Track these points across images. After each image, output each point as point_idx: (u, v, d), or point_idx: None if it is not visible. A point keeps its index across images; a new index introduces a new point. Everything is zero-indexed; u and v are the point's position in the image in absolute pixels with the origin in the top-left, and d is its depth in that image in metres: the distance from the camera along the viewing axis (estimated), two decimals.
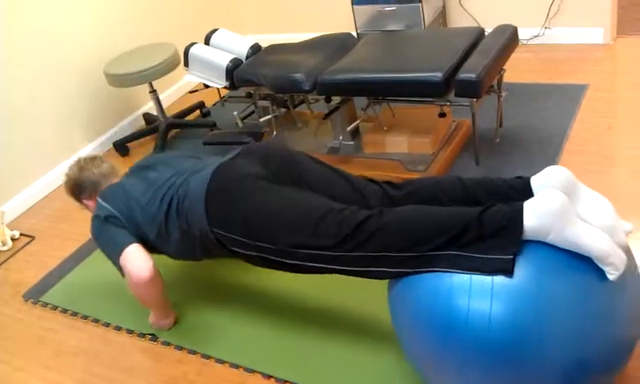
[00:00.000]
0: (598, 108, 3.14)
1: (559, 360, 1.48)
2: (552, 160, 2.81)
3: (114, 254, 2.17)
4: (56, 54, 3.68)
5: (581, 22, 3.79)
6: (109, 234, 2.20)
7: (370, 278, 1.79)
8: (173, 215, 2.14)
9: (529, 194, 1.71)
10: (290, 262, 1.90)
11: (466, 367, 1.56)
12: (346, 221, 1.78)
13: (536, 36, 3.95)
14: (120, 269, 2.18)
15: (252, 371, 2.14)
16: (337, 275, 1.85)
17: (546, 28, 3.91)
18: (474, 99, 2.69)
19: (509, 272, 1.50)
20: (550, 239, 1.51)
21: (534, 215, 1.51)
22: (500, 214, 1.56)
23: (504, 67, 2.88)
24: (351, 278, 1.83)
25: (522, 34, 3.92)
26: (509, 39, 2.84)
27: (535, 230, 1.51)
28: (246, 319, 2.36)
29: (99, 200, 2.30)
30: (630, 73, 3.39)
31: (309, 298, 2.38)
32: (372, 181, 2.08)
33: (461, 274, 1.57)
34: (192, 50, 3.41)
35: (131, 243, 2.16)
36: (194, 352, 2.29)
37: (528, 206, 1.54)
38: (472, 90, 2.59)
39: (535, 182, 1.72)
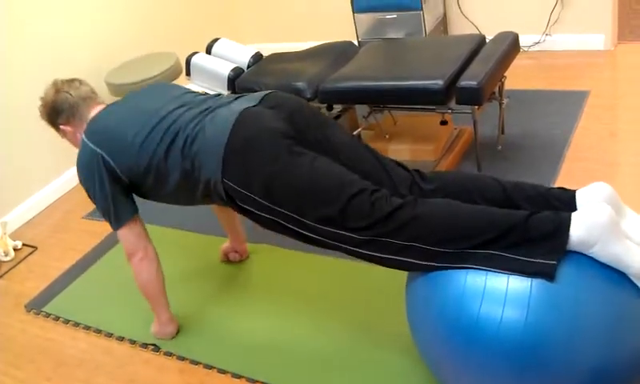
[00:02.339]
0: (599, 114, 3.13)
1: (585, 370, 1.48)
2: (554, 167, 2.80)
3: (111, 223, 2.16)
4: (56, 64, 3.68)
5: (582, 29, 3.79)
6: (107, 198, 2.11)
7: (392, 267, 1.71)
8: (176, 155, 1.97)
9: (573, 206, 1.68)
10: (307, 234, 1.80)
11: (493, 372, 1.55)
12: (377, 204, 1.68)
13: (537, 43, 3.95)
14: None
15: (254, 381, 2.13)
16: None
17: (546, 35, 3.92)
18: (476, 106, 2.69)
19: (550, 277, 1.49)
20: (593, 252, 1.50)
21: (582, 226, 1.50)
22: (547, 220, 1.54)
23: (505, 74, 2.87)
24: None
25: (523, 41, 3.92)
26: (510, 46, 2.84)
27: (581, 241, 1.50)
28: (248, 329, 2.35)
29: (85, 139, 2.13)
30: (632, 79, 3.39)
31: (314, 306, 2.37)
32: (401, 165, 1.97)
33: (496, 277, 1.54)
34: (194, 60, 3.41)
35: (128, 220, 2.15)
36: (196, 362, 2.28)
37: (576, 216, 1.52)
38: (473, 97, 2.58)
39: (581, 195, 1.69)
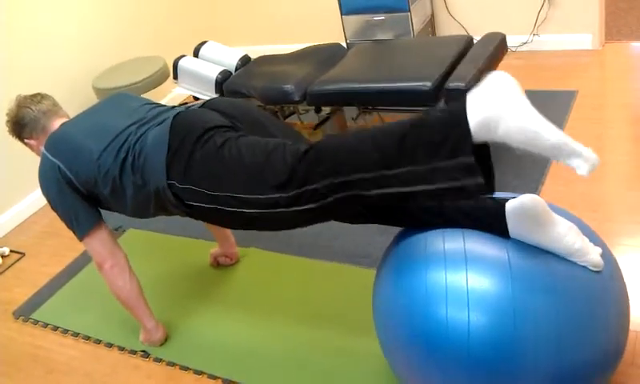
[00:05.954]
0: (587, 114, 3.14)
1: (544, 370, 1.47)
2: (543, 167, 2.80)
3: (75, 232, 2.18)
4: (44, 69, 3.66)
5: (569, 29, 3.80)
6: (69, 207, 2.15)
7: (341, 211, 1.68)
8: (127, 171, 1.99)
9: (502, 218, 1.59)
10: (250, 211, 1.75)
11: (449, 378, 1.54)
12: (290, 153, 1.68)
13: (525, 43, 3.96)
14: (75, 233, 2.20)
15: None
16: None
17: (534, 35, 3.93)
18: None
19: (485, 189, 1.41)
20: (502, 133, 1.36)
21: (479, 106, 1.37)
22: (439, 118, 1.46)
23: None
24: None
25: (511, 42, 3.93)
26: (497, 47, 2.85)
27: (484, 125, 1.37)
28: (239, 334, 2.34)
29: (45, 153, 2.17)
30: (619, 78, 3.41)
31: (305, 310, 2.37)
32: None
33: (435, 276, 1.55)
34: (181, 63, 3.40)
35: (91, 228, 2.16)
36: (185, 368, 2.27)
37: (470, 98, 1.40)
38: (461, 98, 2.58)
39: (510, 205, 1.59)
